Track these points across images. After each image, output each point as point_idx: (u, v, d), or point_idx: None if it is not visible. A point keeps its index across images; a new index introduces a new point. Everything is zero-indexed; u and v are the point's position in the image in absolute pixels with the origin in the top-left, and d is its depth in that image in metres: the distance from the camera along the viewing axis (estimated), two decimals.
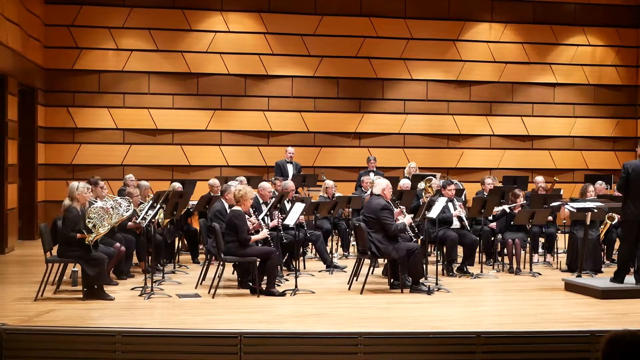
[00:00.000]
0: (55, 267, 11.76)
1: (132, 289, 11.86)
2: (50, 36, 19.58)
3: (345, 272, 13.62)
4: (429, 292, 11.72)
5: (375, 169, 18.16)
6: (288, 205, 13.31)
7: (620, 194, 12.33)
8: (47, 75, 19.53)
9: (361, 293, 11.75)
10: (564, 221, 14.87)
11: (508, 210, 14.26)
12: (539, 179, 16.53)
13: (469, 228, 14.05)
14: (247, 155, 20.50)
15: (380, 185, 12.28)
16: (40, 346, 8.52)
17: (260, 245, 11.95)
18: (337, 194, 15.93)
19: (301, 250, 14.31)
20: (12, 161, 16.75)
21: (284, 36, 20.65)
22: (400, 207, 12.43)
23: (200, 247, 15.14)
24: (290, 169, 18.12)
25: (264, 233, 12.04)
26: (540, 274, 13.82)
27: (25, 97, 18.11)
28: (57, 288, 11.70)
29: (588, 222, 13.20)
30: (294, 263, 13.29)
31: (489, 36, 21.66)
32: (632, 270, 12.08)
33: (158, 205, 11.92)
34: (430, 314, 10.52)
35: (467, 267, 13.79)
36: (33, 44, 18.30)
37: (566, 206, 13.68)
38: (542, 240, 15.53)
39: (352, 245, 15.93)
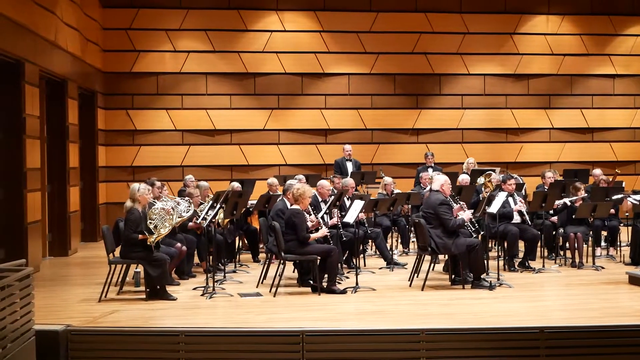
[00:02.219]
0: (118, 268, 11.88)
1: (194, 288, 11.93)
2: (109, 40, 19.81)
3: (406, 269, 13.58)
4: (491, 287, 11.65)
5: (433, 165, 18.06)
6: (347, 203, 13.31)
7: None
8: (106, 78, 19.76)
9: (422, 290, 11.72)
10: (627, 214, 14.69)
11: (569, 204, 14.10)
12: (597, 171, 16.32)
13: (529, 222, 13.91)
14: (305, 153, 20.55)
15: (439, 181, 12.25)
16: (105, 347, 8.66)
17: (320, 243, 11.95)
18: (395, 191, 15.88)
19: (361, 248, 14.29)
20: (74, 164, 16.98)
21: (340, 34, 20.66)
22: (460, 203, 12.36)
23: (261, 246, 15.19)
24: (349, 166, 18.12)
25: (324, 231, 12.01)
26: (603, 268, 13.65)
27: (85, 100, 18.34)
28: (121, 289, 11.81)
29: None
30: (354, 260, 13.30)
31: (546, 28, 21.46)
32: None
33: (218, 205, 11.98)
34: (493, 310, 10.44)
35: (529, 261, 13.67)
36: (92, 48, 18.52)
37: (629, 198, 13.51)
38: (604, 233, 15.35)
39: (412, 241, 15.88)
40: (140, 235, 11.11)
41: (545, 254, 14.44)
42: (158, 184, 13.50)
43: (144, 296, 11.19)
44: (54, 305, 10.92)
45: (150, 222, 11.21)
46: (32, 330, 8.44)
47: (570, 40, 21.55)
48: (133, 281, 12.23)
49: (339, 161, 18.37)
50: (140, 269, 11.74)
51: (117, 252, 11.63)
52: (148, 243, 11.10)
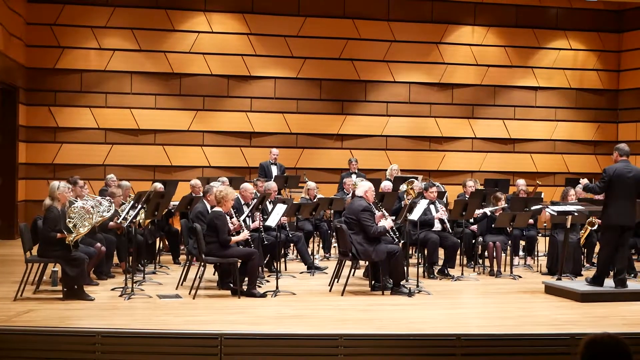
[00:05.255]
0: (35, 267, 11.69)
1: (113, 289, 11.82)
2: (33, 35, 19.49)
3: (327, 273, 13.62)
4: (410, 294, 11.73)
5: (357, 171, 18.13)
6: (270, 207, 13.31)
7: (601, 198, 12.40)
8: (28, 74, 19.44)
9: (342, 295, 11.76)
10: (545, 224, 14.93)
11: (489, 213, 14.29)
12: (521, 182, 16.55)
13: (450, 230, 14.07)
14: (229, 156, 20.47)
15: (363, 187, 12.30)
16: (20, 346, 8.48)
17: (241, 246, 11.93)
18: (319, 196, 15.92)
19: (282, 252, 14.28)
20: None
21: (267, 37, 20.64)
22: (382, 211, 12.43)
23: (182, 247, 15.11)
24: (274, 170, 18.09)
25: (245, 234, 12.00)
26: (520, 277, 13.84)
27: (7, 95, 18.04)
28: (37, 288, 11.63)
29: (569, 226, 13.24)
30: (275, 264, 13.28)
31: (472, 39, 21.72)
32: (611, 273, 12.14)
33: (139, 206, 11.89)
34: (411, 316, 10.53)
35: (448, 269, 13.81)
36: (15, 42, 18.22)
37: (547, 209, 13.72)
38: (522, 243, 15.57)
39: (334, 247, 15.92)
40: (58, 234, 10.97)
41: (465, 262, 14.59)
42: (81, 182, 13.36)
43: (61, 296, 11.04)
44: None
45: (70, 221, 11.07)
46: None
47: (494, 52, 21.83)
48: (50, 280, 12.07)
49: (264, 164, 18.32)
50: (58, 268, 11.60)
51: (34, 251, 11.47)
52: (67, 242, 10.96)
